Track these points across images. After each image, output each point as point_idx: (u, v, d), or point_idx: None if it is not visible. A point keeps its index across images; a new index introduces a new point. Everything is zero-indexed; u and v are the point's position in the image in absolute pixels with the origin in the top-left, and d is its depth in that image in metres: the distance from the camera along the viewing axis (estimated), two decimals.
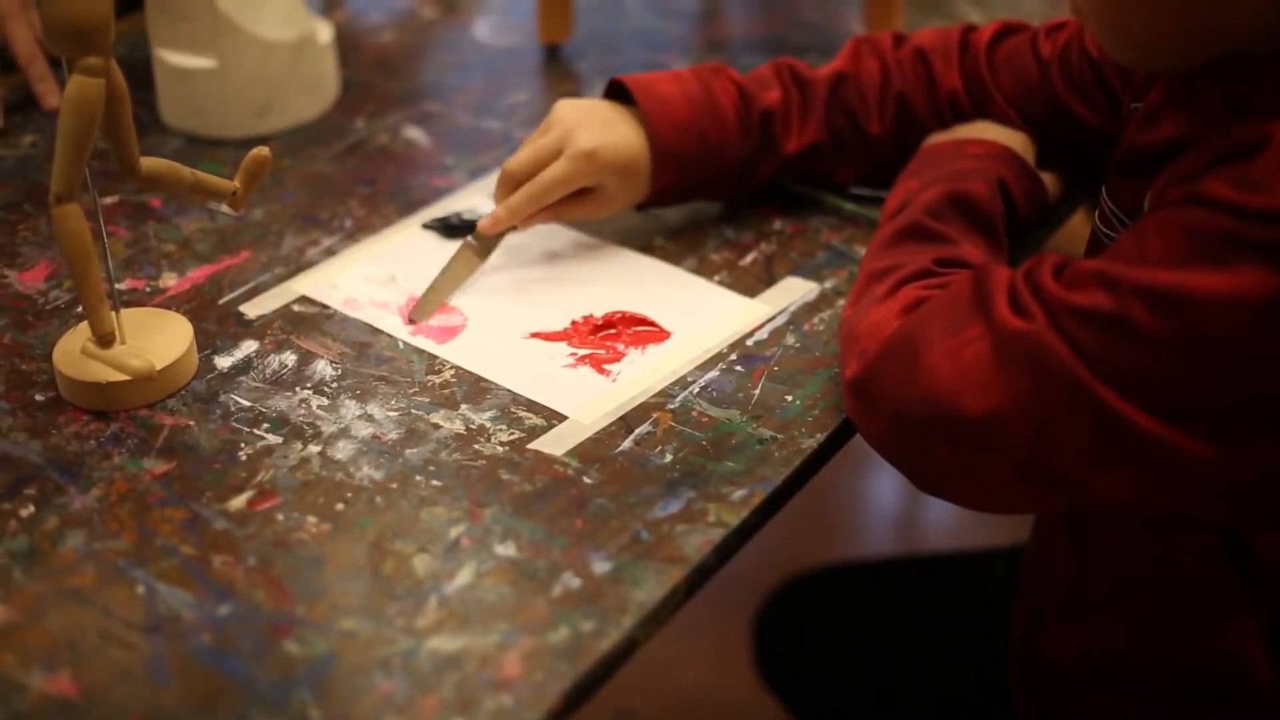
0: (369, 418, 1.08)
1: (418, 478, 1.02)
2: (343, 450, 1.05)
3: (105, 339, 1.07)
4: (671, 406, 1.09)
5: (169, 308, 1.18)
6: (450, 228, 1.29)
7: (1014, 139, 1.26)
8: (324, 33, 1.46)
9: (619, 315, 1.17)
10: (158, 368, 1.08)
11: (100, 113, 1.01)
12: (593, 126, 1.22)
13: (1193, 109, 0.99)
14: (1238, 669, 1.06)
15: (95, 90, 1.00)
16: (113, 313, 1.08)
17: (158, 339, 1.11)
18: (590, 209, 1.24)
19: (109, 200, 1.33)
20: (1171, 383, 0.89)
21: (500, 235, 1.23)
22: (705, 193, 1.29)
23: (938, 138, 1.27)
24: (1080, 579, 1.14)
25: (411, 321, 1.18)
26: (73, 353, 1.09)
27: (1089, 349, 0.90)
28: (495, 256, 1.24)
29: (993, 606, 1.31)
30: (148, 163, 1.08)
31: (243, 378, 1.12)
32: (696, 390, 1.10)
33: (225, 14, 1.37)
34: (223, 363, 1.13)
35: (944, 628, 1.42)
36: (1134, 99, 1.11)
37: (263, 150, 1.12)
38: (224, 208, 1.29)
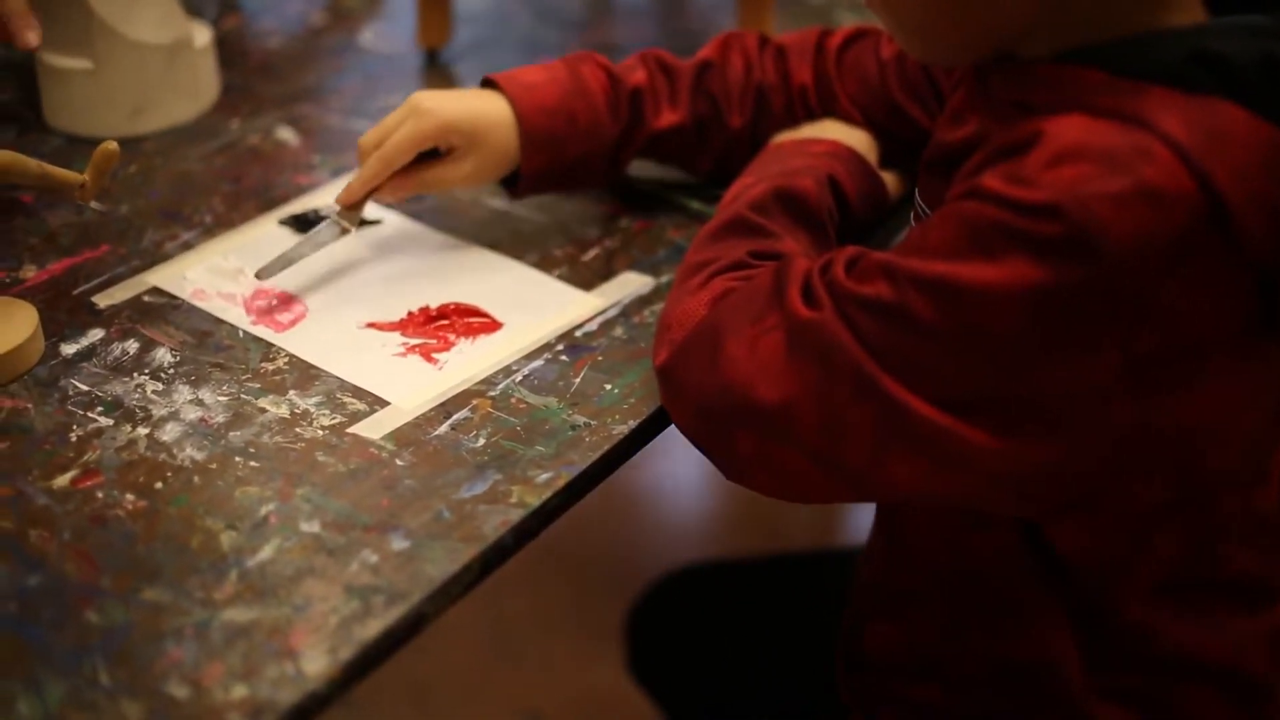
0: (199, 402, 1.11)
1: (237, 459, 1.06)
2: (169, 432, 1.09)
3: None
4: (492, 394, 1.12)
5: (25, 298, 1.21)
6: (305, 223, 1.32)
7: (856, 138, 1.29)
8: (200, 37, 1.49)
9: (453, 306, 1.21)
10: None
11: None
12: (439, 96, 1.26)
13: (988, 110, 1.02)
14: (1047, 661, 1.08)
15: None
16: None
17: (2, 326, 1.15)
18: (449, 172, 1.27)
19: None
20: (950, 373, 0.92)
21: (360, 207, 1.27)
22: (579, 174, 1.31)
23: (783, 136, 1.31)
24: (893, 574, 1.17)
25: (258, 277, 1.22)
26: None
27: (872, 338, 0.93)
28: (349, 251, 1.27)
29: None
30: None
31: (85, 364, 1.15)
32: (519, 379, 1.14)
33: (100, 17, 1.41)
34: (68, 350, 1.17)
35: (811, 626, 1.45)
36: None
37: (111, 144, 1.16)
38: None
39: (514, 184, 1.30)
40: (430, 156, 1.26)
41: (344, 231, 1.26)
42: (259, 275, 1.22)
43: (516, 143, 1.27)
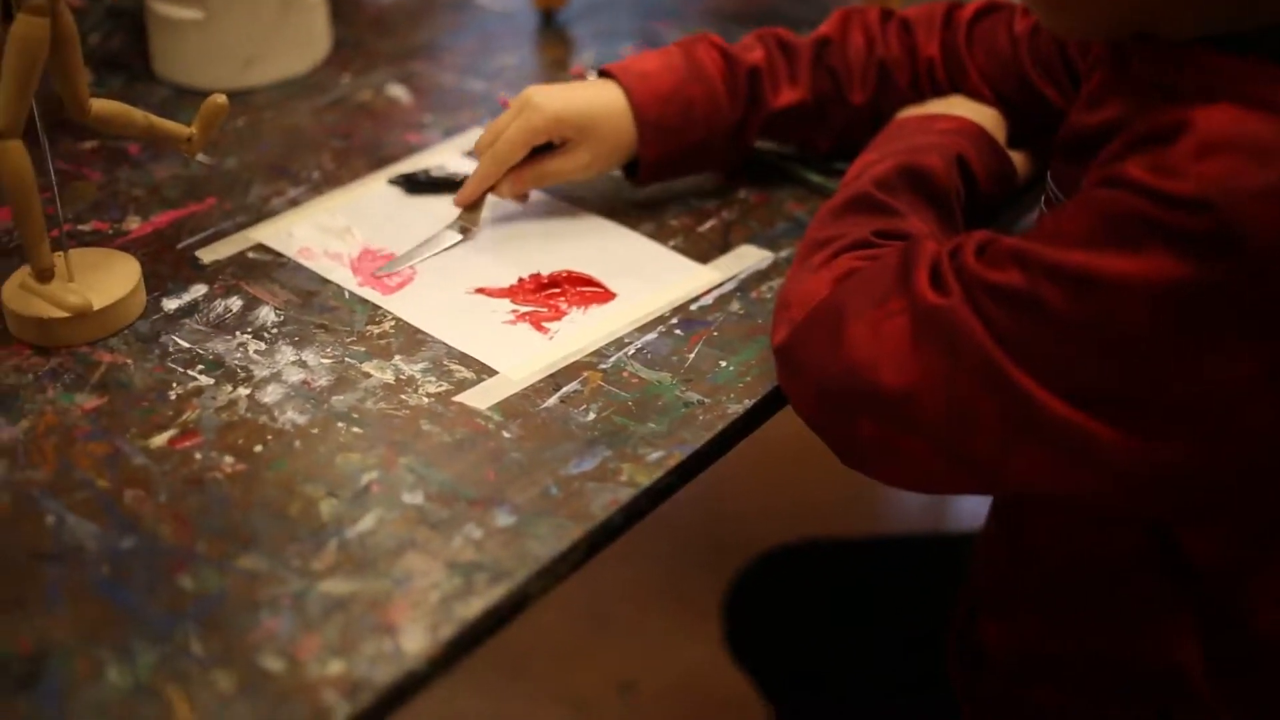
0: (302, 364, 1.08)
1: (340, 424, 1.03)
2: (271, 394, 1.06)
3: (43, 274, 1.08)
4: (603, 366, 1.09)
5: (129, 250, 1.19)
6: (415, 184, 1.29)
7: (984, 115, 1.24)
8: None
9: (565, 274, 1.17)
10: (97, 306, 1.09)
11: (44, 52, 1.02)
12: (551, 89, 1.23)
13: (1128, 93, 0.97)
14: (1171, 668, 1.05)
15: (40, 29, 1.02)
16: (58, 251, 1.10)
17: (105, 279, 1.13)
18: (564, 164, 1.24)
19: (88, 145, 1.35)
20: (1081, 366, 0.88)
21: (479, 207, 1.24)
22: (702, 160, 1.28)
23: (908, 112, 1.26)
24: (1011, 571, 1.13)
25: (374, 277, 1.18)
26: (19, 289, 1.11)
27: (1001, 327, 0.89)
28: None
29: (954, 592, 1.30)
30: (98, 104, 1.09)
31: (187, 320, 1.13)
32: (632, 352, 1.10)
33: None
34: (170, 305, 1.14)
35: (910, 609, 1.41)
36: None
37: (219, 97, 1.13)
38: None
39: (635, 172, 1.26)
40: (546, 151, 1.23)
41: (464, 231, 1.23)
42: (377, 275, 1.19)
43: (633, 132, 1.23)
